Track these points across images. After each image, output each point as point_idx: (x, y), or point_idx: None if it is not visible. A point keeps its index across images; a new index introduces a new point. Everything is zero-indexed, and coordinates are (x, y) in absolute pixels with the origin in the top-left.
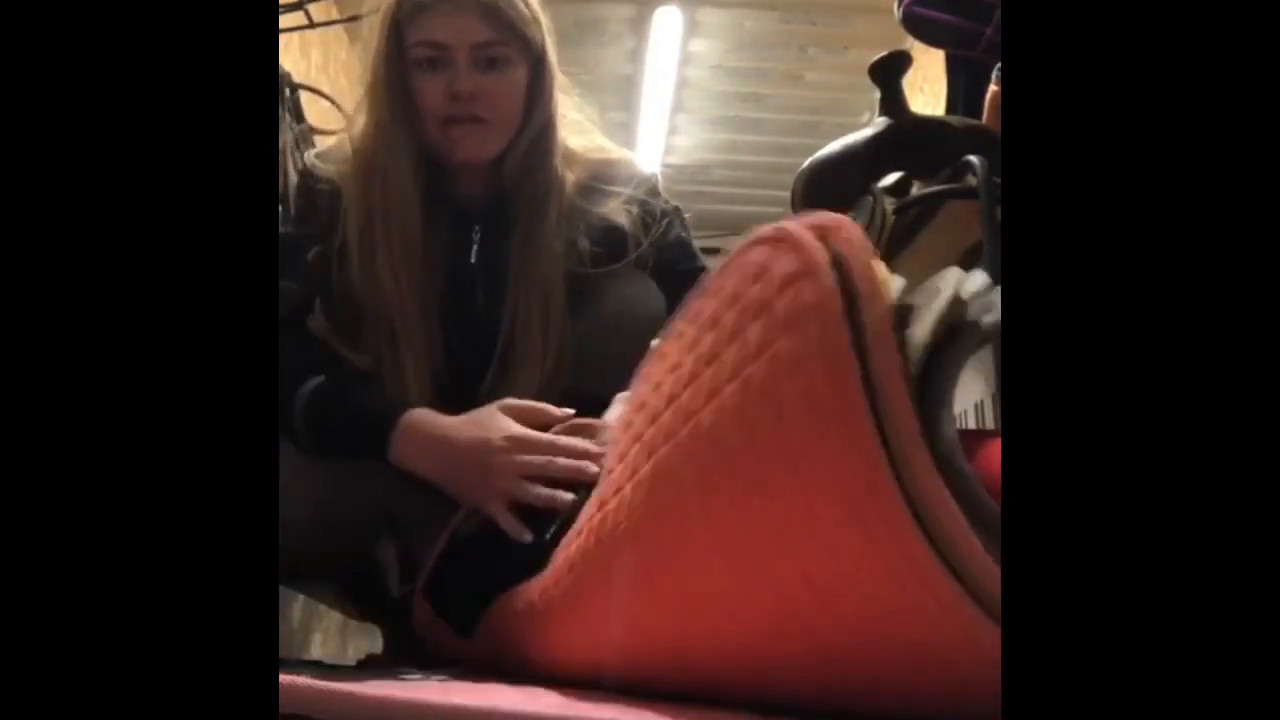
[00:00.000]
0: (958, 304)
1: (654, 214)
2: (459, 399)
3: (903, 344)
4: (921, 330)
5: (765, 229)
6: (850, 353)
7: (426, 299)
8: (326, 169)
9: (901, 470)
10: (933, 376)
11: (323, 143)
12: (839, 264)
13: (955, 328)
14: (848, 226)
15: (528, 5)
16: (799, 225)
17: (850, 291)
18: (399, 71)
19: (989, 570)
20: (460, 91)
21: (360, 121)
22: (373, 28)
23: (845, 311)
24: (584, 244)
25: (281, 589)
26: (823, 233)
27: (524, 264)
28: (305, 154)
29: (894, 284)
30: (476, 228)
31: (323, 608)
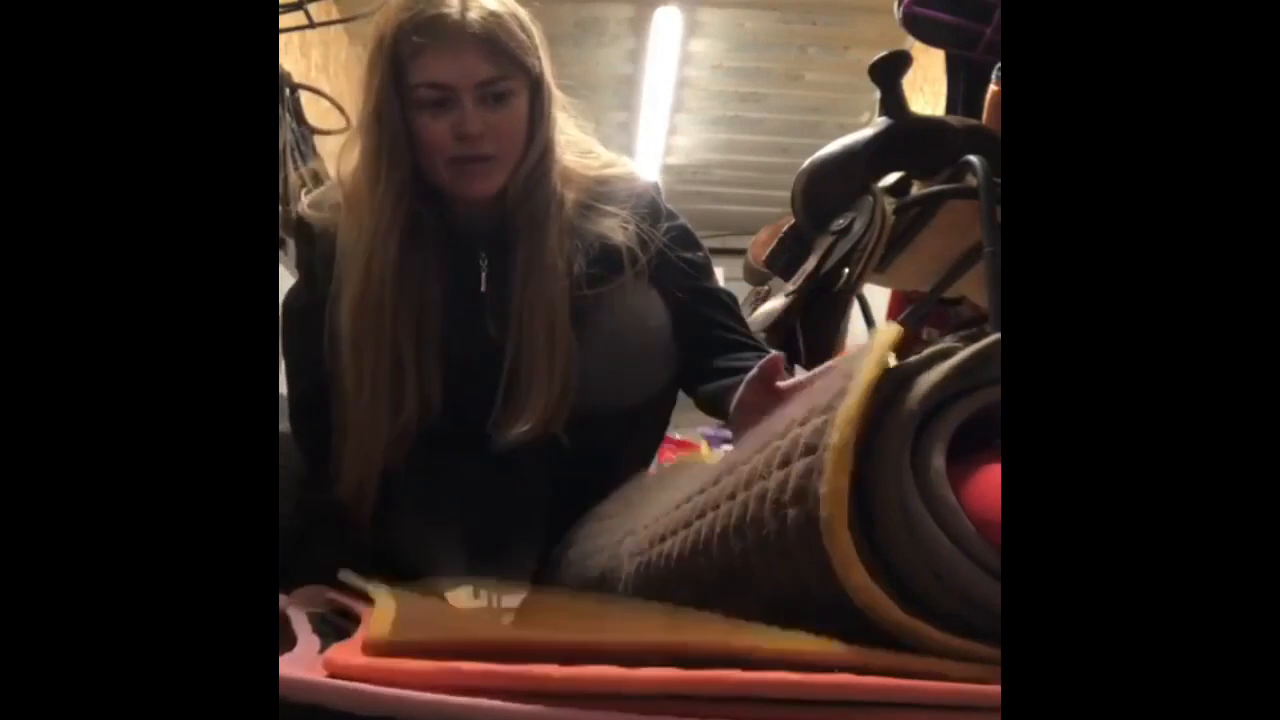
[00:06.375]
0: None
1: (648, 234)
2: (467, 432)
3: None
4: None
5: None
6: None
7: (413, 333)
8: (320, 217)
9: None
10: (930, 425)
11: (323, 143)
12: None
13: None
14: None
15: (525, 32)
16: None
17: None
18: (397, 110)
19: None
20: (469, 133)
21: (350, 159)
22: (369, 64)
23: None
24: (580, 264)
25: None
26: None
27: (526, 286)
28: (296, 205)
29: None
30: (483, 255)
31: None
